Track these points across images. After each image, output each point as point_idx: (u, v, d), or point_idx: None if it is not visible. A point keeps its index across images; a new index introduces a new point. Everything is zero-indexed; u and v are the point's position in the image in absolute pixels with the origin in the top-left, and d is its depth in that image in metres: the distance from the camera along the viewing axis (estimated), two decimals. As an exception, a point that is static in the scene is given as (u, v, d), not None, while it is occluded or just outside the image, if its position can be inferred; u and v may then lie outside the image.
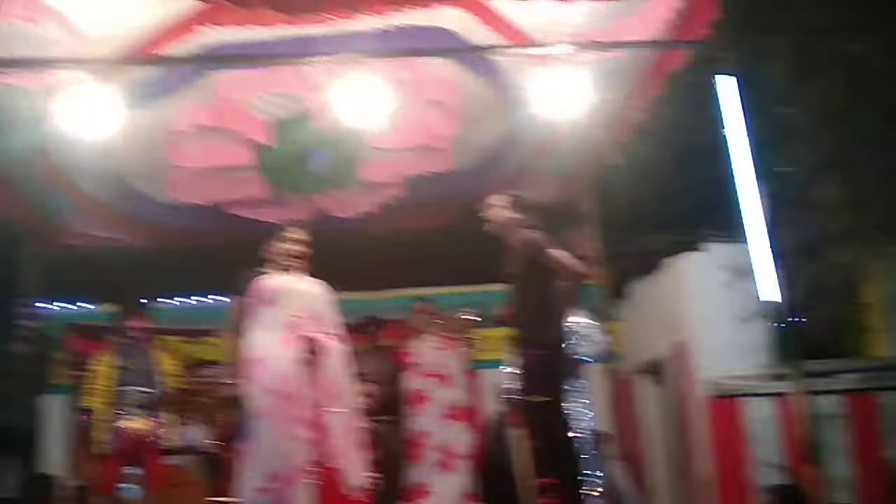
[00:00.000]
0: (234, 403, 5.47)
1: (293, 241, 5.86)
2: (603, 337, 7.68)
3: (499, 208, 6.17)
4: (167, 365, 7.74)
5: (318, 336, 5.63)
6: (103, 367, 7.56)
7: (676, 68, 6.29)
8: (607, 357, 7.96)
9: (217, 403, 9.49)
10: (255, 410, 5.40)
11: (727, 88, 5.61)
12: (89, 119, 5.85)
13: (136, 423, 7.36)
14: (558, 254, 5.78)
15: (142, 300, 8.00)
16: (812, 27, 6.73)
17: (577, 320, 7.61)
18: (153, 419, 7.46)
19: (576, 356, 7.44)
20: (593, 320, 7.76)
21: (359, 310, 9.39)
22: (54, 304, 10.29)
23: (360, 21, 5.96)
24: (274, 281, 5.70)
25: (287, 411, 5.37)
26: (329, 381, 5.58)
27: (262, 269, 5.83)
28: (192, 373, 9.77)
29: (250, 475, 5.34)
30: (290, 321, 5.57)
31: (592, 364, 7.72)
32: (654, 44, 6.29)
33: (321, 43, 6.11)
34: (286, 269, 5.79)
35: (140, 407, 7.43)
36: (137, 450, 7.30)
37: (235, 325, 5.70)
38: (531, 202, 6.36)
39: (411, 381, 7.90)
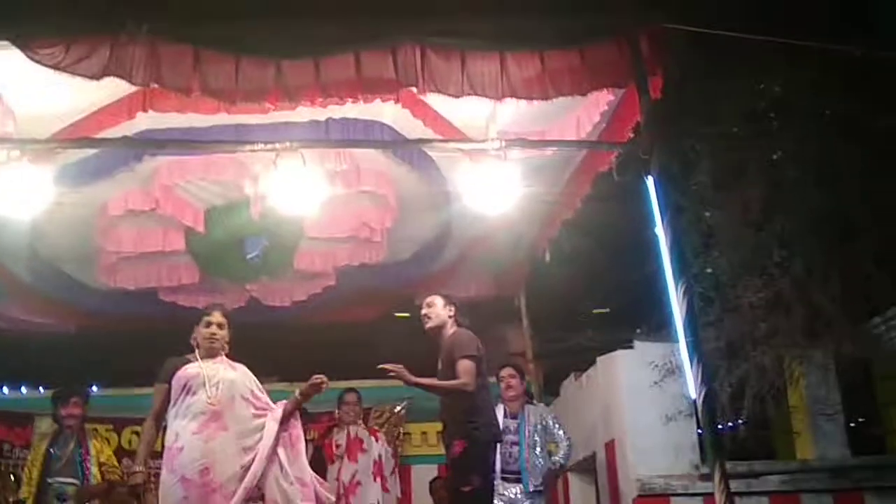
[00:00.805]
0: (136, 492, 5.33)
1: (213, 324, 5.82)
2: (569, 440, 7.72)
3: (432, 306, 6.24)
4: (100, 454, 7.52)
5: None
6: (37, 454, 7.36)
7: (604, 168, 6.46)
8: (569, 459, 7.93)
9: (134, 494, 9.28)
10: (172, 500, 5.29)
11: (652, 190, 5.75)
12: (21, 200, 5.77)
13: None
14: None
15: (76, 387, 7.81)
16: (734, 134, 6.97)
17: (548, 421, 7.66)
18: None
19: (552, 461, 7.51)
20: (557, 422, 7.79)
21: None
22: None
23: (298, 112, 6.06)
24: (193, 368, 5.61)
25: (201, 500, 5.26)
26: (256, 466, 5.51)
27: (187, 356, 5.76)
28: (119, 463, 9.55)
29: None
30: (207, 409, 5.50)
31: (561, 468, 7.74)
32: (581, 143, 6.50)
33: (259, 132, 6.21)
34: (208, 353, 5.74)
35: (63, 499, 7.21)
36: None
37: (155, 413, 5.62)
38: (463, 300, 6.43)
39: (336, 473, 7.78)
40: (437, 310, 6.23)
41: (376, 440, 7.95)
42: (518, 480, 7.31)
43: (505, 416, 7.43)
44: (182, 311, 8.85)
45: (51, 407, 7.56)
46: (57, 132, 6.03)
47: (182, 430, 5.40)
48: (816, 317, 7.05)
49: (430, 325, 6.22)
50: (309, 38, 5.51)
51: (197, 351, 5.72)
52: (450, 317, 6.22)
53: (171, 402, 5.51)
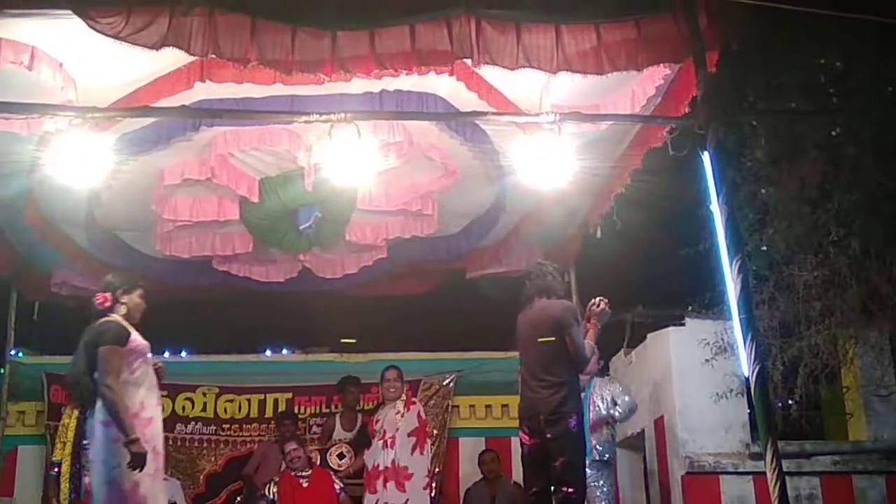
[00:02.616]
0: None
1: (144, 298, 5.84)
2: (630, 399, 7.74)
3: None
4: None
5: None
6: (71, 419, 7.49)
7: (658, 143, 6.42)
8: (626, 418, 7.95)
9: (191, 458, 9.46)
10: (146, 469, 5.33)
11: (708, 165, 5.70)
12: (80, 169, 5.90)
13: None
14: None
15: None
16: (792, 109, 6.87)
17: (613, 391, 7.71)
18: None
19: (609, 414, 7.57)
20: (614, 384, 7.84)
21: (338, 371, 9.40)
22: (42, 353, 10.22)
23: (353, 83, 6.09)
24: (140, 338, 5.63)
25: (160, 473, 5.50)
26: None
27: (112, 318, 5.63)
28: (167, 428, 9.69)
29: None
30: (155, 381, 5.63)
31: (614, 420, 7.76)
32: (636, 118, 6.45)
33: (314, 103, 6.23)
34: (132, 322, 5.70)
35: None
36: None
37: (117, 375, 5.39)
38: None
39: (374, 448, 7.91)
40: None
41: (408, 410, 8.00)
42: None
43: None
44: (235, 280, 8.99)
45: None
46: (116, 101, 6.11)
47: (146, 399, 5.53)
48: (872, 297, 6.95)
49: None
50: (364, 9, 5.52)
51: (121, 318, 5.66)
52: None
53: (126, 369, 5.47)
